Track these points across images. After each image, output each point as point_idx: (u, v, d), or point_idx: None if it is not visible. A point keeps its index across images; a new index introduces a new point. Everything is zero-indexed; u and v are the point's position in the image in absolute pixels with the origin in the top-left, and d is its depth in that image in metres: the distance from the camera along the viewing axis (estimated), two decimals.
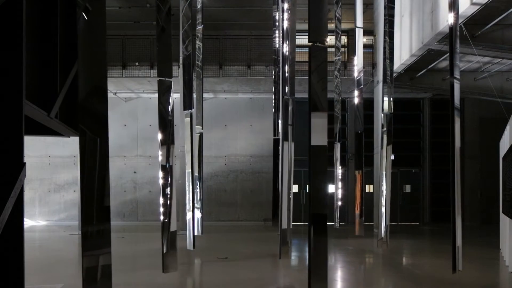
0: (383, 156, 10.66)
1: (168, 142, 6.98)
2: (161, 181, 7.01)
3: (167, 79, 6.95)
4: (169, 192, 7.02)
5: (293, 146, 9.50)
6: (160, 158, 6.99)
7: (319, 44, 5.25)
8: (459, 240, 7.37)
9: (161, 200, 6.99)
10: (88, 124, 3.64)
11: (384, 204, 10.61)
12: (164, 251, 6.97)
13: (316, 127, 5.22)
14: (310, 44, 5.24)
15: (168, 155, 6.99)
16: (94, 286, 3.59)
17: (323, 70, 5.29)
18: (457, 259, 7.27)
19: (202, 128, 12.06)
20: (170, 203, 7.00)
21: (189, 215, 9.88)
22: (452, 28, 7.58)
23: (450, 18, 7.59)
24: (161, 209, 6.99)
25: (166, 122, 6.98)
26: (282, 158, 9.42)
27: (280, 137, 10.31)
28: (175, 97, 17.82)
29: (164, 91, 6.98)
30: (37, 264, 9.73)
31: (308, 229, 5.17)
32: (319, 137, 5.23)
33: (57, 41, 4.17)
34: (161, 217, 6.98)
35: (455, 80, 7.39)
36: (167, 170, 6.99)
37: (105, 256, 3.66)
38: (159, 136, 6.94)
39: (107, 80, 3.81)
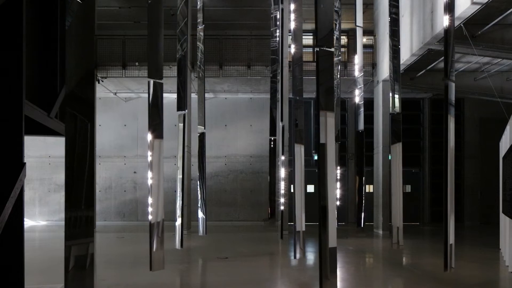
0: (394, 155, 10.63)
1: (158, 142, 6.98)
2: (150, 182, 7.01)
3: (157, 80, 6.98)
4: (157, 192, 7.02)
5: (303, 148, 9.55)
6: (149, 158, 6.98)
7: (327, 49, 5.47)
8: (452, 238, 7.41)
9: (150, 200, 7.00)
10: (76, 109, 3.64)
11: (397, 205, 10.53)
12: (153, 250, 7.06)
13: (324, 126, 5.43)
14: (318, 48, 5.50)
15: (157, 155, 6.97)
16: (78, 275, 3.54)
17: (330, 72, 5.57)
18: (449, 257, 7.32)
19: (204, 128, 12.05)
20: (159, 202, 7.04)
21: (178, 215, 9.92)
22: (447, 31, 7.60)
23: (445, 21, 7.60)
24: (149, 209, 7.01)
25: (157, 122, 6.99)
26: (294, 159, 9.46)
27: (292, 138, 10.36)
28: (175, 97, 17.94)
29: (155, 91, 6.97)
30: (37, 264, 9.73)
31: (319, 226, 5.34)
32: (327, 136, 5.49)
33: (57, 41, 4.17)
34: (149, 217, 7.02)
35: (449, 82, 7.42)
36: (156, 169, 6.98)
37: (90, 246, 3.62)
38: (149, 136, 6.95)
39: (94, 67, 3.81)
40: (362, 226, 13.62)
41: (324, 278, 5.19)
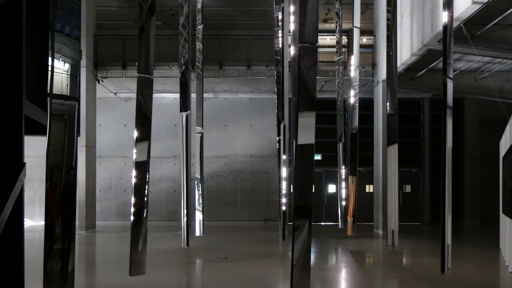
0: (389, 157, 10.62)
1: (144, 140, 6.72)
2: (133, 180, 6.67)
3: (146, 75, 6.82)
4: (141, 191, 6.71)
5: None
6: (134, 156, 6.71)
7: (309, 45, 5.25)
8: (449, 239, 7.38)
9: (133, 200, 6.62)
10: (56, 115, 3.58)
11: (392, 207, 10.50)
12: (132, 253, 6.55)
13: (303, 126, 5.21)
14: (300, 44, 5.24)
15: (143, 153, 6.72)
16: (57, 285, 3.50)
17: (313, 70, 5.30)
18: (446, 258, 7.28)
19: (202, 128, 12.06)
20: (143, 202, 6.69)
21: (184, 215, 9.92)
22: (446, 27, 7.60)
23: (444, 17, 7.61)
24: (132, 209, 6.60)
25: (143, 120, 6.81)
26: (293, 158, 9.45)
27: (293, 137, 10.33)
28: (175, 97, 17.98)
29: (143, 88, 6.82)
30: (37, 264, 9.73)
31: (293, 226, 5.14)
32: (305, 136, 5.24)
33: None
34: (132, 217, 6.59)
35: (448, 79, 7.40)
36: (141, 168, 6.71)
37: (70, 255, 3.59)
38: (135, 133, 6.67)
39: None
40: (342, 226, 13.99)
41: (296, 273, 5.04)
